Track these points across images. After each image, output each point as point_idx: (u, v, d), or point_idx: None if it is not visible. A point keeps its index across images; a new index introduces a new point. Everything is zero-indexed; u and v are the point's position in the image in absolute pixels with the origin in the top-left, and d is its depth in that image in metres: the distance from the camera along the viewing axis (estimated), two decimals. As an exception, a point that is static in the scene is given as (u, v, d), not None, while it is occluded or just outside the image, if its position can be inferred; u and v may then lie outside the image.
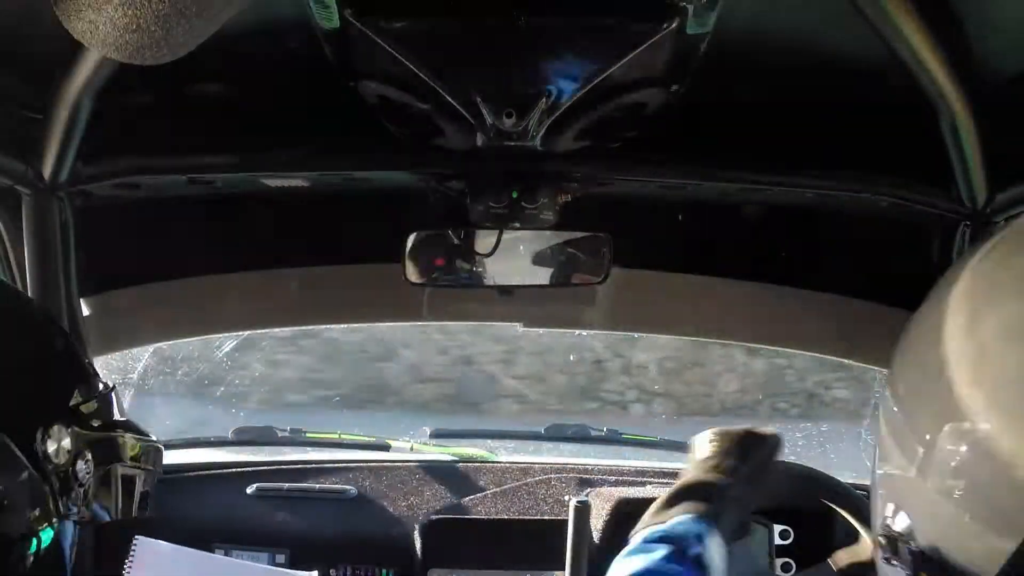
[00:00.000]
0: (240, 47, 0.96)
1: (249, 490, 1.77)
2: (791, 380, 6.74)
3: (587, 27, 1.08)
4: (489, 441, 2.16)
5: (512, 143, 1.16)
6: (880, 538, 0.63)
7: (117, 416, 0.89)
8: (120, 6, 0.65)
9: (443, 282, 1.47)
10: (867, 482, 0.69)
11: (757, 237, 1.57)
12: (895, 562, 0.61)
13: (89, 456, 0.80)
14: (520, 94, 1.12)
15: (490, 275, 1.44)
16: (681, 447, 2.27)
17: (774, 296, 1.58)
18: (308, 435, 2.04)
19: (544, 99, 1.12)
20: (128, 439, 0.89)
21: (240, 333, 2.19)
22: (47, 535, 0.75)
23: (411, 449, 2.05)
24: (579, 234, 1.45)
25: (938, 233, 1.35)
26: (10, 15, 0.90)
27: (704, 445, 0.98)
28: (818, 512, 1.62)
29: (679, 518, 0.87)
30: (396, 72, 1.10)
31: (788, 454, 1.08)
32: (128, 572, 1.06)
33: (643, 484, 1.73)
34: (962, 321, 0.59)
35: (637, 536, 0.89)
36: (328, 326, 4.65)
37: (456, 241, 1.42)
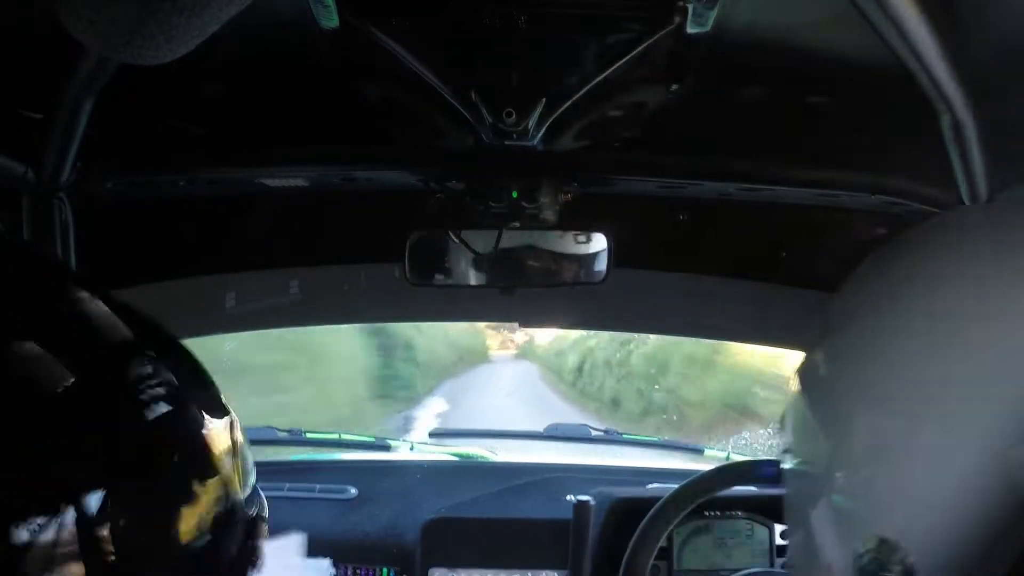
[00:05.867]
0: (240, 47, 0.96)
1: None
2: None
3: (587, 27, 1.08)
4: (489, 441, 2.16)
5: (512, 143, 1.16)
6: (877, 552, 0.58)
7: None
8: (120, 6, 0.65)
9: (443, 282, 1.47)
10: None
11: (757, 237, 1.57)
12: None
13: None
14: (520, 94, 1.12)
15: (490, 275, 1.44)
16: (681, 447, 2.28)
17: (774, 296, 1.58)
18: (308, 435, 2.04)
19: (544, 99, 1.12)
20: None
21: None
22: None
23: (411, 449, 2.05)
24: (579, 234, 1.45)
25: None
26: (10, 15, 0.90)
27: None
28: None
29: None
30: (396, 72, 1.10)
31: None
32: None
33: (643, 484, 1.73)
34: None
35: None
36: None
37: (456, 241, 1.42)
